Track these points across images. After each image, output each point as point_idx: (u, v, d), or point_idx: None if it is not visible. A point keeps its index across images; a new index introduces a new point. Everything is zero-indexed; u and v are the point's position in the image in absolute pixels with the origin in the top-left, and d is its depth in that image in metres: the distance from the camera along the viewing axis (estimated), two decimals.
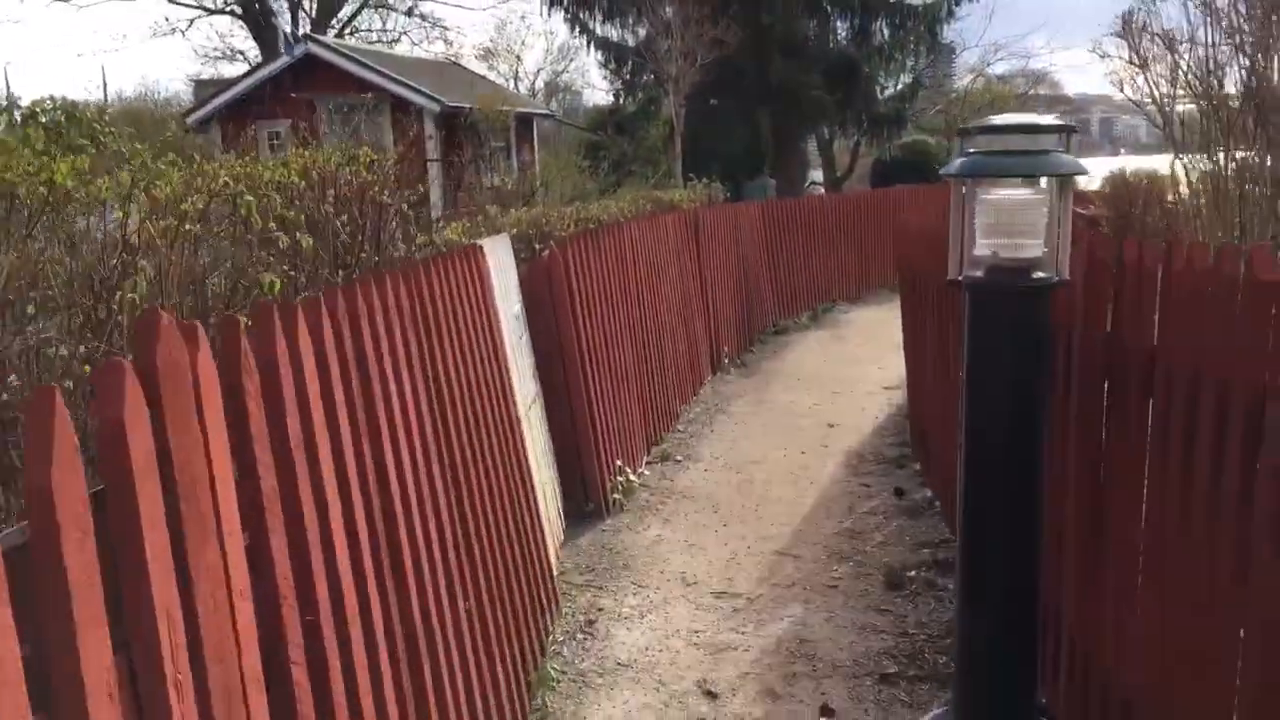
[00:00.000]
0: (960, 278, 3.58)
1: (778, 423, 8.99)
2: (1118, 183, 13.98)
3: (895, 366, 11.35)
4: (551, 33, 55.96)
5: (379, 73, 22.82)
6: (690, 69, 15.47)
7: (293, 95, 22.50)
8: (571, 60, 56.06)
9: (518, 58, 57.19)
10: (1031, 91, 32.78)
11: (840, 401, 9.70)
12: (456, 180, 21.61)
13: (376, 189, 4.47)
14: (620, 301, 7.45)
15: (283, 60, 23.33)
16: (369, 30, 37.35)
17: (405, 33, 36.34)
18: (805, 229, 14.61)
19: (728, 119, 20.30)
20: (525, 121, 26.84)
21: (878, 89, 21.73)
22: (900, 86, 22.22)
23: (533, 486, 4.93)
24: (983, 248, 3.57)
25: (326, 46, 23.11)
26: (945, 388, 5.83)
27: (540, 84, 57.55)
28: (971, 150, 3.58)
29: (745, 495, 6.94)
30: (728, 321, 11.48)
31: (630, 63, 22.36)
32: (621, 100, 23.31)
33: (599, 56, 22.74)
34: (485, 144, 24.74)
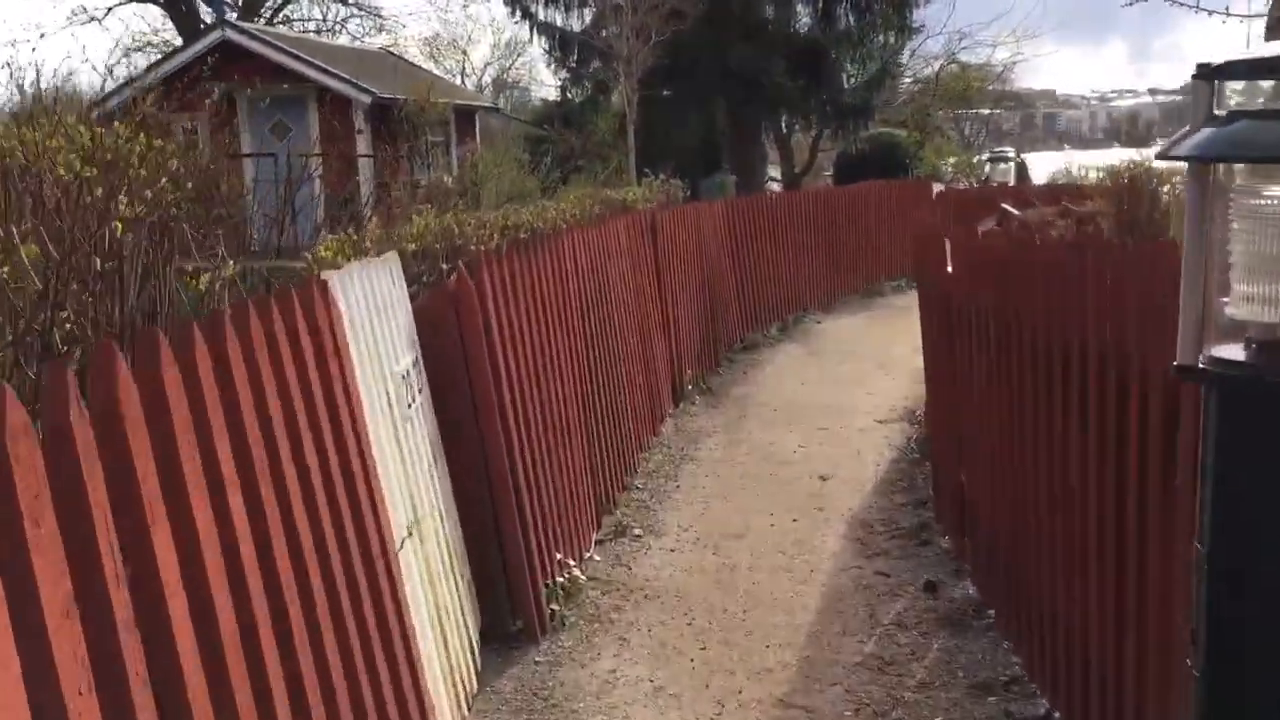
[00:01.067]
0: (1200, 364, 1.83)
1: (758, 473, 7.25)
2: (1118, 177, 12.44)
3: (885, 391, 9.72)
4: (497, 26, 53.92)
5: (304, 61, 20.81)
6: (643, 48, 13.70)
7: (207, 85, 20.45)
8: (519, 55, 54.16)
9: (464, 53, 55.15)
10: (991, 86, 31.44)
11: (830, 442, 7.98)
12: (389, 177, 19.66)
13: (127, 202, 2.69)
14: (559, 334, 5.68)
15: (197, 47, 21.23)
16: (305, 20, 35.21)
17: (341, 23, 34.11)
18: (773, 230, 12.90)
19: (682, 109, 18.57)
20: (466, 115, 24.92)
21: (844, 77, 20.08)
22: (867, 75, 20.59)
23: (411, 658, 3.14)
24: (1244, 303, 1.83)
25: (244, 32, 21.03)
26: (1018, 457, 4.12)
27: (488, 79, 55.60)
28: (1223, 113, 1.83)
29: (727, 592, 5.19)
30: (691, 339, 9.74)
31: (577, 50, 20.54)
32: (569, 92, 21.49)
33: (543, 44, 20.92)
34: (421, 138, 22.86)
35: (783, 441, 8.01)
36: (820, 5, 19.68)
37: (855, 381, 10.15)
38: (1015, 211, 12.08)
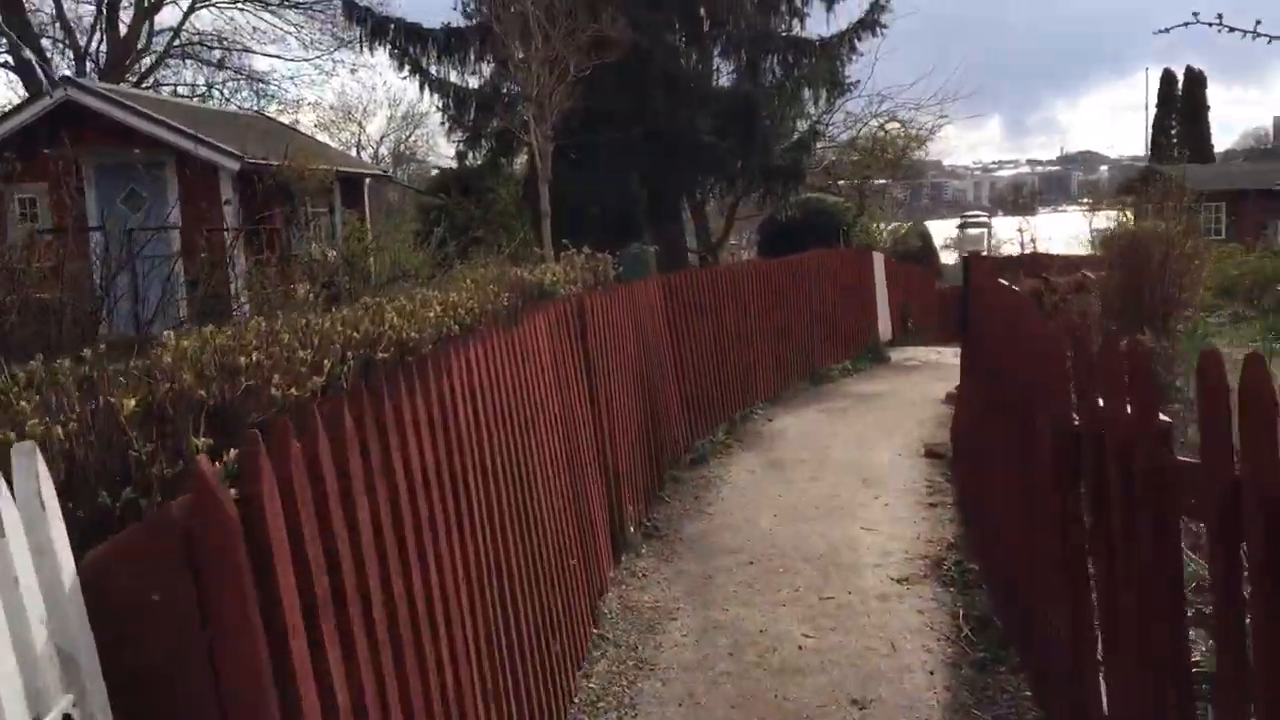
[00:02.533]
0: None
1: (755, 696, 4.73)
2: (1125, 240, 10.41)
3: (886, 523, 7.31)
4: (394, 98, 51.33)
5: (160, 123, 18.01)
6: (558, 87, 11.32)
7: (45, 152, 17.49)
8: (418, 126, 51.77)
9: (359, 124, 52.54)
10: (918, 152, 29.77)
11: (844, 625, 5.51)
12: (262, 253, 16.77)
13: None
14: (443, 544, 3.14)
15: (35, 109, 18.31)
16: (184, 85, 32.23)
17: (216, 88, 31.23)
18: (715, 312, 10.56)
19: (596, 173, 16.25)
20: (353, 184, 22.29)
21: (771, 137, 18.00)
22: (796, 134, 18.56)
23: None
24: None
25: (90, 91, 18.16)
26: None
27: (385, 151, 52.98)
28: None
29: None
30: (631, 462, 7.25)
31: (474, 108, 18.12)
32: (466, 157, 19.03)
33: (437, 101, 18.44)
34: (300, 208, 20.10)
35: (777, 626, 5.51)
36: (744, 58, 17.62)
37: (842, 509, 7.74)
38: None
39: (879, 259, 16.93)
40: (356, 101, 79.63)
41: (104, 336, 10.61)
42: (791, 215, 18.04)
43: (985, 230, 10.99)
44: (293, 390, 2.85)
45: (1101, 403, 3.02)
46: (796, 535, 7.12)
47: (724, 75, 18.26)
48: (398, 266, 10.14)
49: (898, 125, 21.52)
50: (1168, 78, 45.24)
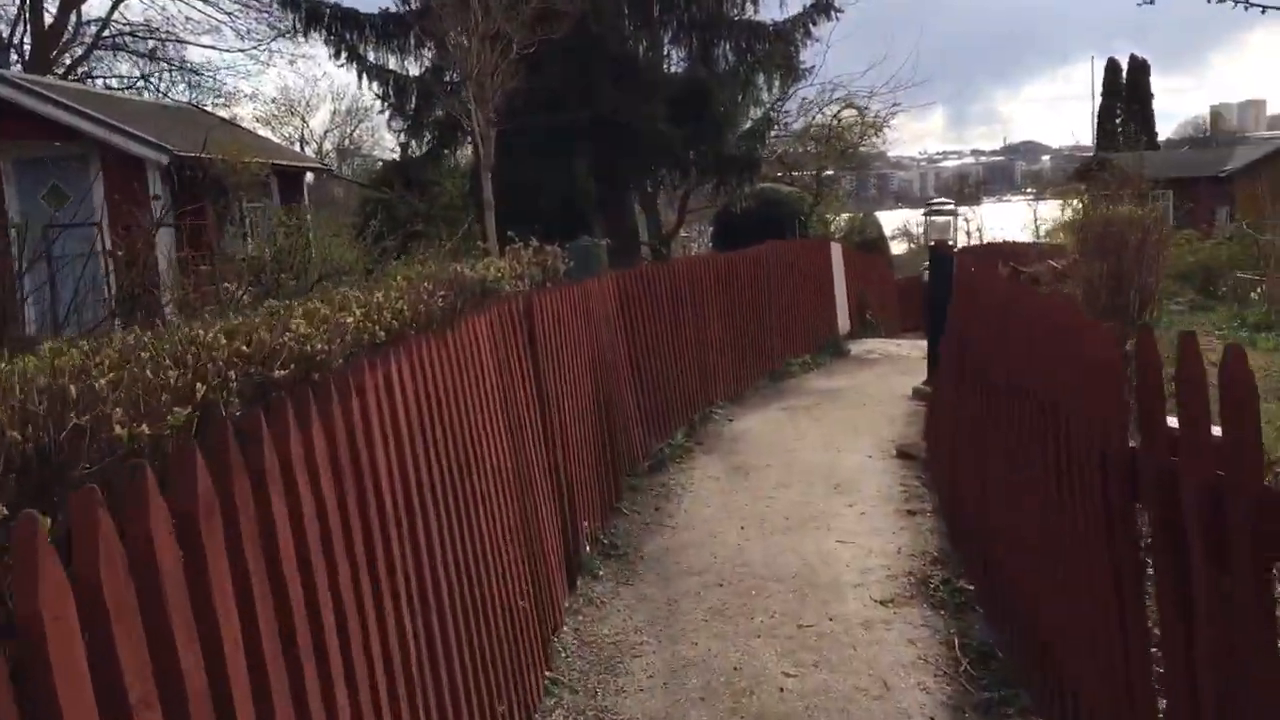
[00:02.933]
0: None
1: None
2: (1098, 228, 9.93)
3: (863, 535, 6.63)
4: (338, 92, 49.99)
5: (83, 115, 16.99)
6: (500, 65, 10.56)
7: None
8: (362, 121, 50.54)
9: (302, 119, 51.30)
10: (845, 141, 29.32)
11: (829, 660, 4.89)
12: (193, 251, 15.93)
13: None
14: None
15: None
16: (115, 78, 30.94)
17: (149, 81, 30.03)
18: (672, 308, 9.91)
19: (542, 162, 15.50)
20: (292, 178, 21.37)
21: (725, 124, 17.34)
22: (750, 122, 17.93)
23: None
24: None
25: (8, 82, 17.10)
26: None
27: (329, 146, 51.74)
28: None
29: None
30: (586, 473, 6.60)
31: (414, 95, 17.27)
32: (409, 147, 18.17)
33: (375, 89, 17.55)
34: (233, 204, 19.20)
35: (753, 663, 4.88)
36: (696, 42, 16.94)
37: (814, 519, 7.14)
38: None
39: (837, 249, 16.41)
40: (299, 95, 78.07)
41: (15, 338, 9.85)
42: (746, 206, 17.43)
43: (952, 218, 10.45)
44: (143, 427, 2.16)
45: (1174, 425, 2.42)
46: (767, 551, 6.51)
47: (675, 61, 17.60)
48: (329, 263, 9.37)
49: (853, 112, 21.01)
50: (1112, 66, 45.38)
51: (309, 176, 23.47)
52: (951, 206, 11.01)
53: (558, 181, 15.96)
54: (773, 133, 18.90)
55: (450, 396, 3.77)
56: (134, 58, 29.07)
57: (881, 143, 22.81)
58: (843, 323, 16.40)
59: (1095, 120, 43.82)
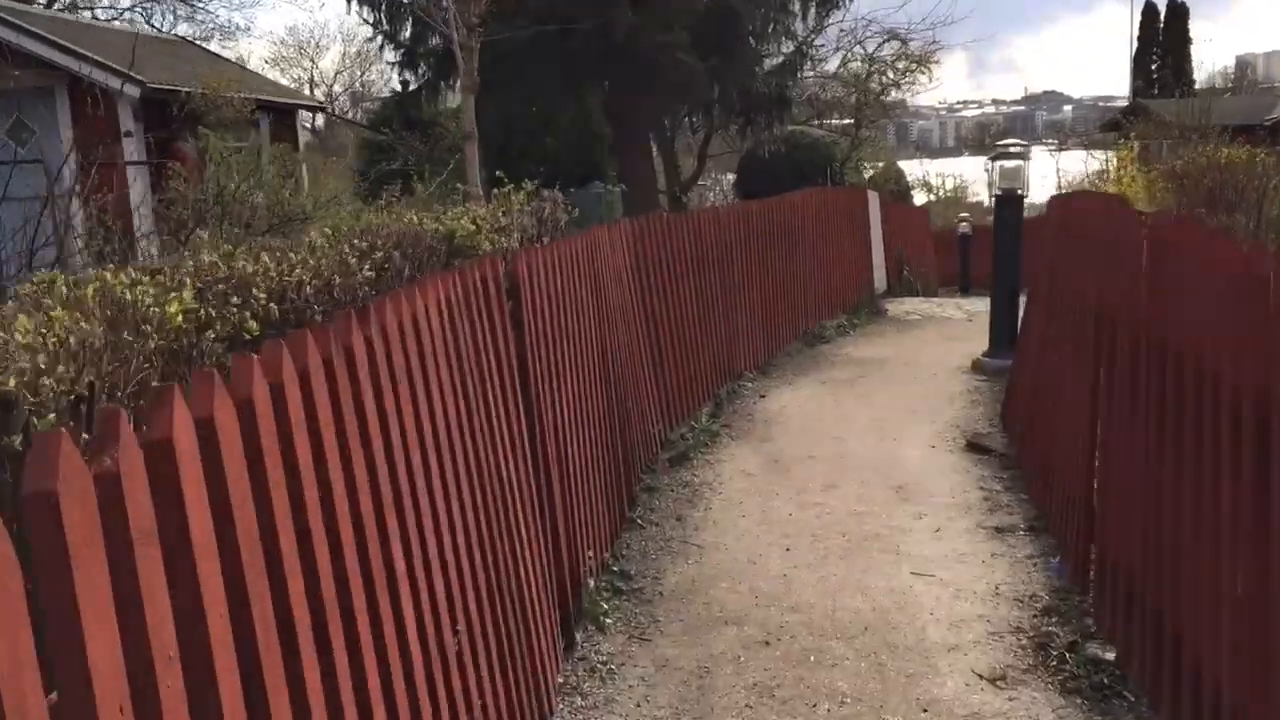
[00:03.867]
0: None
1: None
2: (1203, 177, 8.24)
3: (945, 560, 5.03)
4: (348, 32, 47.88)
5: (47, 42, 15.35)
6: None
7: None
8: (373, 63, 48.55)
9: (312, 61, 49.42)
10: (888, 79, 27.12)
11: None
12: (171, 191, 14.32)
13: None
14: None
15: None
16: (105, 9, 29.13)
17: (139, 12, 28.24)
18: (697, 265, 8.30)
19: (551, 97, 13.78)
20: (284, 115, 19.70)
21: (754, 58, 15.48)
22: (782, 57, 16.07)
23: None
24: None
25: None
26: None
27: (339, 89, 49.84)
28: None
29: None
30: (588, 484, 5.05)
31: (409, 23, 15.49)
32: (409, 83, 16.40)
33: (364, 14, 15.73)
34: (218, 141, 17.53)
35: None
36: None
37: (878, 538, 5.60)
38: None
39: (874, 199, 14.71)
40: (308, 36, 75.97)
41: None
42: (774, 150, 15.65)
43: (1024, 162, 8.87)
44: None
45: None
46: (824, 587, 4.97)
47: None
48: (277, 210, 7.75)
49: (898, 44, 19.04)
50: (1149, 10, 42.98)
51: (305, 115, 21.78)
52: (1024, 147, 9.32)
53: (568, 120, 14.24)
54: (805, 69, 17.07)
55: (351, 443, 2.20)
56: None
57: (928, 81, 20.84)
58: (879, 280, 14.76)
59: (1132, 65, 41.53)
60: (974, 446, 7.20)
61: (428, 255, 3.75)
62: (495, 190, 5.97)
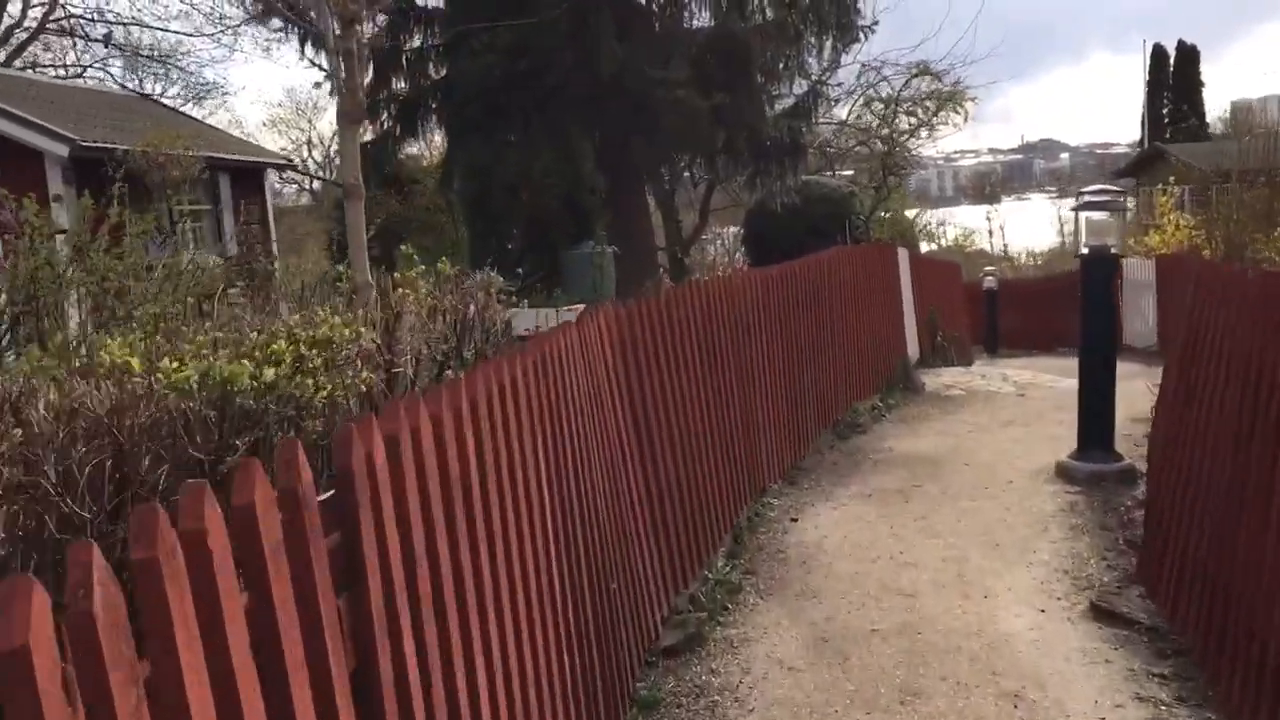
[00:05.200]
0: None
1: None
2: None
3: None
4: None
5: None
6: None
7: None
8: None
9: (310, 121, 47.82)
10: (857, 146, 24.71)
11: None
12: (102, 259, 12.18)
13: None
14: None
15: None
16: (66, 66, 27.30)
17: (103, 68, 26.46)
18: (708, 353, 6.19)
19: (532, 145, 11.76)
20: (250, 174, 17.75)
21: (764, 98, 13.42)
22: (794, 98, 13.99)
23: None
24: None
25: None
26: None
27: (336, 149, 48.19)
28: None
29: None
30: None
31: (369, 65, 13.52)
32: (364, 134, 14.34)
33: (320, 59, 13.71)
34: (160, 205, 15.52)
35: None
36: None
37: None
38: None
39: (904, 256, 12.66)
40: (306, 97, 74.68)
41: None
42: (788, 203, 13.59)
43: (1118, 215, 7.10)
44: None
45: None
46: None
47: (697, 15, 13.53)
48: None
49: (929, 79, 16.98)
50: (1159, 54, 41.27)
51: (272, 174, 19.85)
52: (1117, 195, 7.25)
53: (553, 174, 12.23)
54: (821, 111, 14.99)
55: None
56: (89, 44, 25.43)
57: (962, 120, 18.86)
58: (912, 348, 12.66)
59: (1145, 110, 39.70)
60: (1103, 613, 5.03)
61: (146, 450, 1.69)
62: (407, 274, 3.88)
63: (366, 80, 13.81)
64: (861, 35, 13.57)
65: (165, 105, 21.26)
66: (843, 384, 9.53)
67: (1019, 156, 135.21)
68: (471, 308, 3.76)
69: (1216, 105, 43.22)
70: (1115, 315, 7.18)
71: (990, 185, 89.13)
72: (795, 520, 6.80)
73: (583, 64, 10.90)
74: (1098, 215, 7.13)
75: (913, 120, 17.33)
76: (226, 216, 17.30)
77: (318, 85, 18.07)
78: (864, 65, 16.48)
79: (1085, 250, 7.17)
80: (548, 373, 3.43)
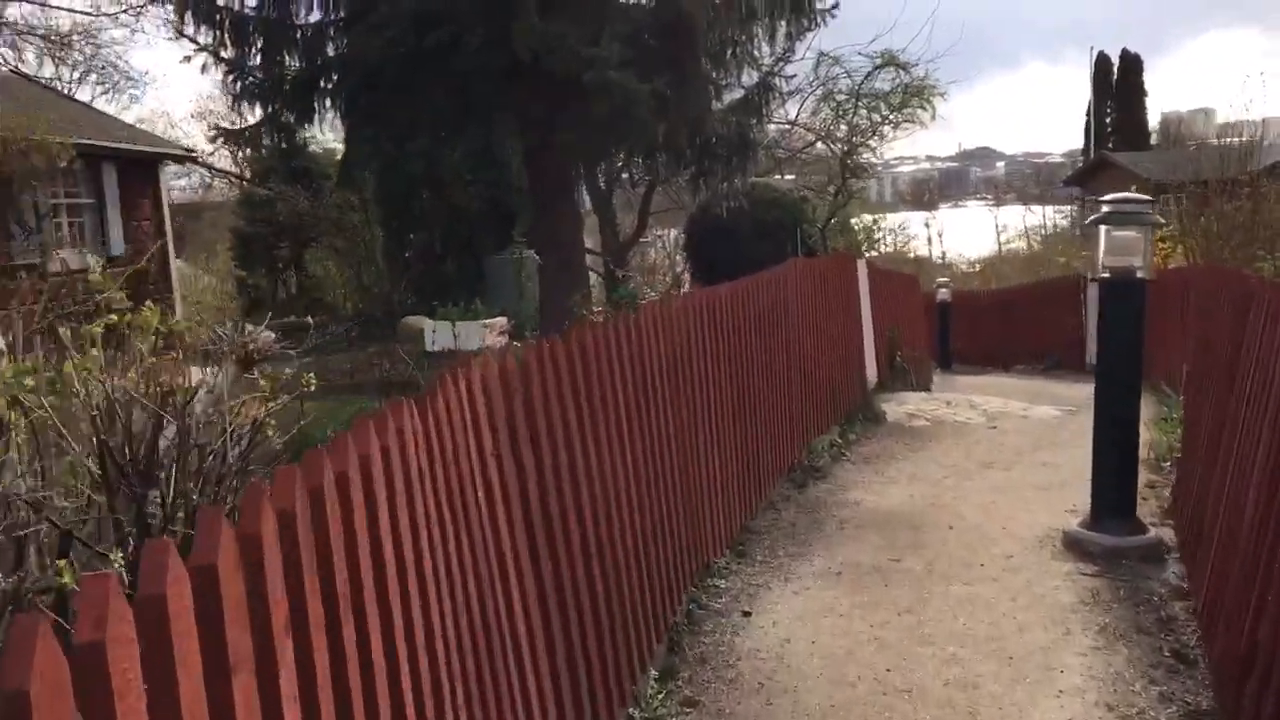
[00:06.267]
0: None
1: None
2: None
3: None
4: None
5: None
6: None
7: None
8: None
9: (239, 113, 45.36)
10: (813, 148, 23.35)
11: None
12: None
13: None
14: None
15: None
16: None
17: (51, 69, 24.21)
18: (640, 406, 4.64)
19: (447, 130, 10.10)
20: (142, 167, 15.84)
21: (710, 88, 11.83)
22: (743, 90, 12.36)
23: None
24: None
25: None
26: None
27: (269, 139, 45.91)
28: None
29: None
30: None
31: (258, 40, 11.69)
32: (267, 120, 12.47)
33: (204, 37, 11.86)
34: (21, 198, 13.76)
35: None
36: None
37: None
38: None
39: (863, 269, 11.25)
40: None
41: None
42: (734, 207, 12.06)
43: (1145, 231, 6.08)
44: None
45: None
46: None
47: None
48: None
49: (897, 72, 15.54)
50: (1102, 63, 40.64)
51: (169, 166, 17.90)
52: (1144, 206, 5.84)
53: (471, 164, 10.58)
54: (772, 107, 13.46)
55: None
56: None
57: (930, 117, 17.46)
58: (871, 372, 11.25)
59: (1090, 119, 38.97)
60: None
61: None
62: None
63: (256, 58, 12.07)
64: (820, 20, 12.07)
65: (41, 84, 19.19)
66: (800, 421, 8.06)
67: (956, 164, 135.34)
68: (200, 395, 2.13)
69: (1157, 115, 42.75)
70: (1139, 359, 5.76)
71: (929, 192, 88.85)
72: (748, 614, 5.27)
73: (501, 40, 9.24)
74: (1123, 232, 5.70)
75: (876, 117, 15.89)
76: (111, 212, 15.39)
77: (187, 59, 16.24)
78: (821, 55, 15.05)
79: (1105, 273, 5.76)
80: (334, 541, 1.85)
